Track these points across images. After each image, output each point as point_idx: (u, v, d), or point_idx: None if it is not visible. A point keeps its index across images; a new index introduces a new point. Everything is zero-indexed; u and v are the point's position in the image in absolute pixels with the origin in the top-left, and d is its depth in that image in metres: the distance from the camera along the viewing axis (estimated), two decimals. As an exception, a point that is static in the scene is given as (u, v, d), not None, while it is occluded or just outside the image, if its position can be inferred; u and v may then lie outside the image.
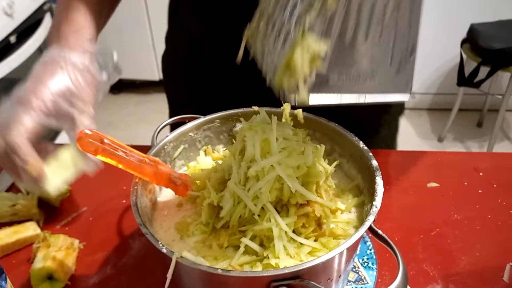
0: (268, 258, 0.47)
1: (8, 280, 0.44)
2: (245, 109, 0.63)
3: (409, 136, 2.36)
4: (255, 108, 0.63)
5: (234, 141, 0.63)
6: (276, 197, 0.48)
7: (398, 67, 0.41)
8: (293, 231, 0.49)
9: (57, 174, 0.58)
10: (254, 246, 0.48)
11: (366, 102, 0.42)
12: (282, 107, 0.61)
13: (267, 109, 0.63)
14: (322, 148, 0.52)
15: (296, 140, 0.50)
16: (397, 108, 0.87)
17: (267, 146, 0.48)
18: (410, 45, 0.40)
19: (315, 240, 0.49)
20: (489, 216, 0.66)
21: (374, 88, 0.41)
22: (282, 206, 0.49)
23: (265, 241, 0.49)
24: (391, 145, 0.88)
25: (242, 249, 0.48)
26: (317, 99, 0.40)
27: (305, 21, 0.37)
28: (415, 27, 0.40)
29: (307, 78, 0.39)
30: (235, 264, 0.47)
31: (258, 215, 0.48)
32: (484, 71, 1.93)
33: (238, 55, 0.51)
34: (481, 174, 0.73)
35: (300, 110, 0.61)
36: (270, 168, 0.47)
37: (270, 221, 0.47)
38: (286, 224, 0.47)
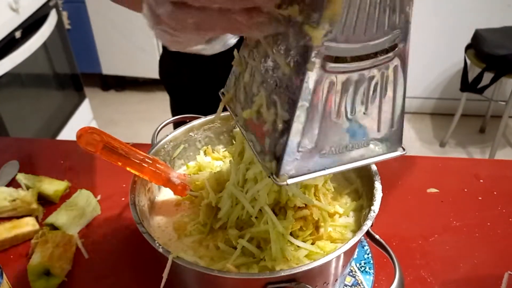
0: (265, 260, 0.47)
1: (4, 274, 0.45)
2: (246, 110, 0.63)
3: (411, 140, 2.35)
4: (256, 109, 0.63)
5: (234, 142, 0.64)
6: (274, 200, 0.48)
7: (387, 131, 0.40)
8: (291, 234, 0.49)
9: (76, 220, 0.64)
10: (251, 247, 0.48)
11: (355, 167, 0.40)
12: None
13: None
14: None
15: None
16: None
17: None
18: (397, 111, 0.39)
19: (312, 243, 0.49)
20: (489, 224, 0.66)
21: (365, 154, 0.40)
22: (280, 209, 0.49)
23: (262, 243, 0.48)
24: None
25: (239, 250, 0.48)
26: (293, 180, 0.38)
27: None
28: (401, 96, 0.38)
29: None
30: (231, 265, 0.47)
31: (256, 217, 0.48)
32: (488, 77, 1.93)
33: (215, 117, 0.53)
34: (481, 181, 0.73)
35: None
36: None
37: (267, 223, 0.47)
38: (283, 227, 0.47)
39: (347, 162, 0.39)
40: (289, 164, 0.37)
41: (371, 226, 0.46)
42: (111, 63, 2.57)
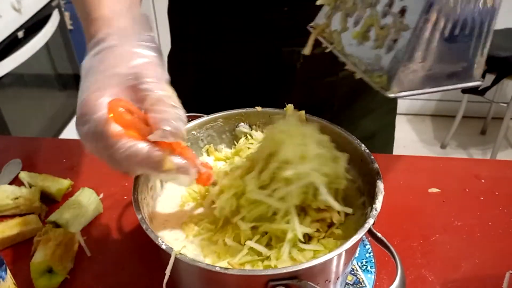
0: (270, 259, 0.47)
1: (8, 271, 0.45)
2: (248, 109, 0.63)
3: (412, 142, 2.35)
4: (258, 108, 0.63)
5: (236, 141, 0.64)
6: (300, 201, 0.49)
7: (478, 58, 0.45)
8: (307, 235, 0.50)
9: (79, 218, 0.64)
10: (260, 248, 0.48)
11: (442, 90, 0.45)
12: (285, 108, 0.62)
13: (270, 109, 0.63)
14: (346, 156, 0.53)
15: (327, 146, 0.52)
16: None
17: (303, 151, 0.49)
18: (489, 40, 0.44)
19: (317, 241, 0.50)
20: (490, 224, 0.66)
21: (457, 79, 0.45)
22: (301, 209, 0.50)
23: (274, 240, 0.49)
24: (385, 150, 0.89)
25: (245, 251, 0.48)
26: (403, 93, 0.43)
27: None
28: (492, 28, 0.44)
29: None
30: (235, 263, 0.47)
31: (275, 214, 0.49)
32: (489, 79, 1.93)
33: (306, 50, 0.53)
34: (483, 181, 0.73)
35: (303, 111, 0.61)
36: (305, 173, 0.48)
37: (288, 222, 0.48)
38: (302, 231, 0.48)
39: (444, 84, 0.44)
40: (400, 77, 0.42)
41: (373, 224, 0.46)
42: (113, 64, 2.57)
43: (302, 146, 0.49)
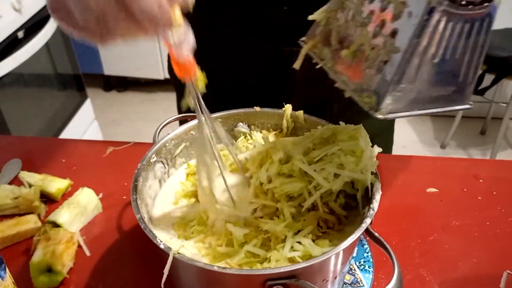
0: (269, 261, 0.48)
1: (7, 270, 0.45)
2: (246, 109, 0.63)
3: (412, 142, 2.35)
4: (257, 108, 0.63)
5: (234, 141, 0.64)
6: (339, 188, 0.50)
7: (466, 82, 0.45)
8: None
9: (78, 218, 0.64)
10: (258, 251, 0.48)
11: (430, 112, 0.46)
12: (283, 108, 0.62)
13: (269, 109, 0.63)
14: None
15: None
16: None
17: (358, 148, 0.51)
18: (478, 65, 0.45)
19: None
20: (488, 223, 0.66)
21: (445, 102, 0.46)
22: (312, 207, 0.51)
23: (273, 240, 0.49)
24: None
25: (242, 254, 0.48)
26: (392, 115, 0.44)
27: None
28: (483, 53, 0.44)
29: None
30: (234, 263, 0.47)
31: (277, 217, 0.50)
32: (488, 79, 1.93)
33: (296, 64, 0.53)
34: (481, 181, 0.74)
35: (301, 111, 0.61)
36: (360, 168, 0.50)
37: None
38: (304, 236, 0.49)
39: (433, 107, 0.45)
40: (389, 99, 0.42)
41: (371, 224, 0.47)
42: (113, 64, 2.58)
43: (356, 140, 0.51)
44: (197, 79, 0.47)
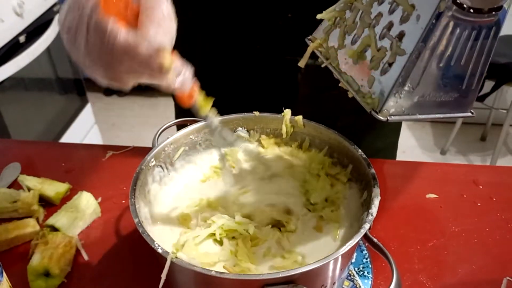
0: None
1: (4, 274, 0.45)
2: (246, 114, 0.63)
3: (412, 148, 2.35)
4: (256, 113, 0.63)
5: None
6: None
7: (469, 89, 0.45)
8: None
9: (76, 222, 0.64)
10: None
11: (432, 118, 0.46)
12: (282, 113, 0.62)
13: (268, 114, 0.63)
14: None
15: None
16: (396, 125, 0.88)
17: None
18: (482, 73, 0.45)
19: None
20: (487, 230, 0.66)
21: (447, 108, 0.46)
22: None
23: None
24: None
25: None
26: (394, 117, 0.44)
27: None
28: (487, 61, 0.45)
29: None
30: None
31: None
32: (489, 85, 1.93)
33: (301, 62, 0.54)
34: (480, 187, 0.73)
35: (301, 116, 0.61)
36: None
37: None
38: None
39: (435, 113, 0.45)
40: (392, 101, 0.42)
41: (369, 229, 0.46)
42: (114, 68, 2.57)
43: None
44: (201, 105, 0.50)
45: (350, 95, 0.48)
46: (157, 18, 0.40)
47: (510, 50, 1.92)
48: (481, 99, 1.98)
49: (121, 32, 0.39)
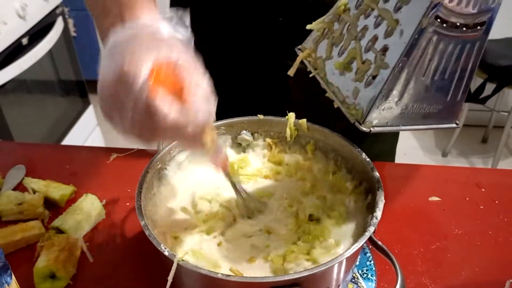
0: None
1: (13, 276, 0.45)
2: (250, 117, 0.64)
3: (413, 150, 2.35)
4: (260, 116, 0.64)
5: (238, 148, 0.65)
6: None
7: (453, 101, 0.46)
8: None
9: (81, 224, 0.64)
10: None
11: (416, 129, 0.47)
12: (286, 117, 0.63)
13: (272, 117, 0.64)
14: None
15: None
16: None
17: None
18: (466, 85, 0.45)
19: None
20: (490, 232, 0.66)
21: (430, 120, 0.46)
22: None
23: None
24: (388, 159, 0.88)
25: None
26: (377, 129, 0.44)
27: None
28: (472, 74, 0.45)
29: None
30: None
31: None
32: (490, 87, 1.93)
33: (291, 71, 0.54)
34: (483, 190, 0.74)
35: (305, 120, 0.61)
36: None
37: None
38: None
39: (418, 124, 0.46)
40: (375, 112, 0.43)
41: (374, 232, 0.47)
42: (116, 70, 2.58)
43: None
44: (231, 174, 0.54)
45: (335, 106, 0.48)
46: (202, 96, 0.42)
47: (511, 52, 1.92)
48: (483, 101, 1.98)
49: (170, 112, 0.40)
